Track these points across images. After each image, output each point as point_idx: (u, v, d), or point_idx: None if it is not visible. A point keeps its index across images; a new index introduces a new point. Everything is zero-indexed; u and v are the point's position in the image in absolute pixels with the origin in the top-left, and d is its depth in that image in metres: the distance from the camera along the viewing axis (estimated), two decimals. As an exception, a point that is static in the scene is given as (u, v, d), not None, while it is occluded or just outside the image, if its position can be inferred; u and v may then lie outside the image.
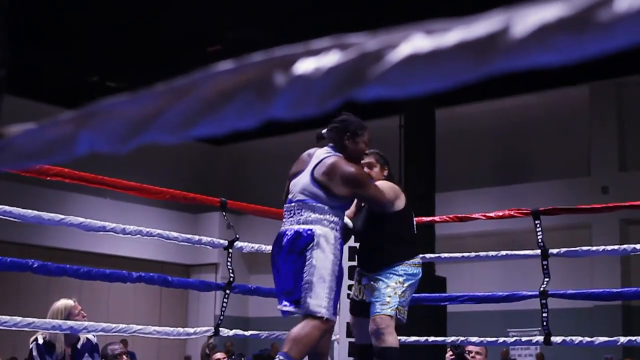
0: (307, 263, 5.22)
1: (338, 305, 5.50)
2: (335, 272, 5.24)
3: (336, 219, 5.36)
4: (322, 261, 5.21)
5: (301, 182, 5.42)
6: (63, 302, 6.45)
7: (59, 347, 6.31)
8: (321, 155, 5.46)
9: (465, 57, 0.75)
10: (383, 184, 5.81)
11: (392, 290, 5.62)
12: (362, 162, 5.89)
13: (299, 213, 5.37)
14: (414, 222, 5.96)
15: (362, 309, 5.80)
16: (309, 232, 5.27)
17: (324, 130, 5.58)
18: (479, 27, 0.75)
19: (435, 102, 16.66)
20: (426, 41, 0.76)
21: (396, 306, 5.59)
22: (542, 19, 0.73)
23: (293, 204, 5.41)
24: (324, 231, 5.27)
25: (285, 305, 5.29)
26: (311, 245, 5.23)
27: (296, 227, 5.33)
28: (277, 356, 5.13)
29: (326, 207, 5.33)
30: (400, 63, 0.77)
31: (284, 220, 5.47)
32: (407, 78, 0.77)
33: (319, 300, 5.17)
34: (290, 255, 5.29)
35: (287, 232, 5.35)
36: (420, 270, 5.81)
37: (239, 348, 18.91)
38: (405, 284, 5.67)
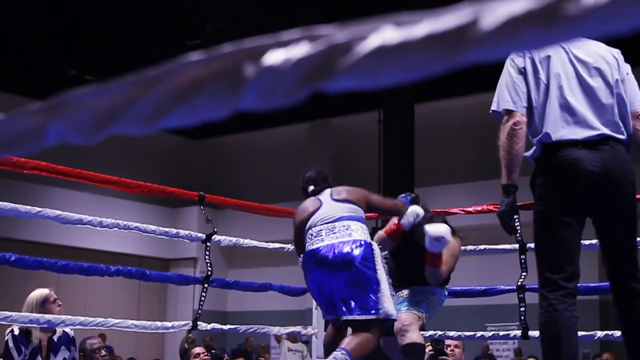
0: (378, 273, 5.42)
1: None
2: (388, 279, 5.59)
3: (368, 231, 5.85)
4: (383, 270, 5.47)
5: (328, 208, 5.68)
6: (39, 291, 6.46)
7: (34, 336, 6.29)
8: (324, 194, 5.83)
9: (434, 49, 0.76)
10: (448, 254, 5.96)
11: (424, 298, 5.82)
12: None
13: (340, 230, 5.56)
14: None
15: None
16: (365, 242, 5.50)
17: (310, 183, 5.94)
18: (448, 20, 0.75)
19: (414, 97, 16.70)
20: (395, 33, 0.77)
21: (425, 312, 5.74)
22: (510, 11, 0.73)
23: (328, 224, 5.59)
24: (373, 242, 5.57)
25: (369, 315, 5.43)
26: (376, 255, 5.48)
27: (344, 240, 5.52)
28: (340, 350, 5.30)
29: (360, 222, 5.64)
30: (369, 55, 0.77)
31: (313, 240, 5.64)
32: (376, 70, 0.77)
33: (391, 305, 5.45)
34: (354, 266, 5.42)
35: (333, 248, 5.50)
36: (444, 295, 6.09)
37: (217, 342, 18.90)
38: (434, 299, 5.89)
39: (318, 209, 5.66)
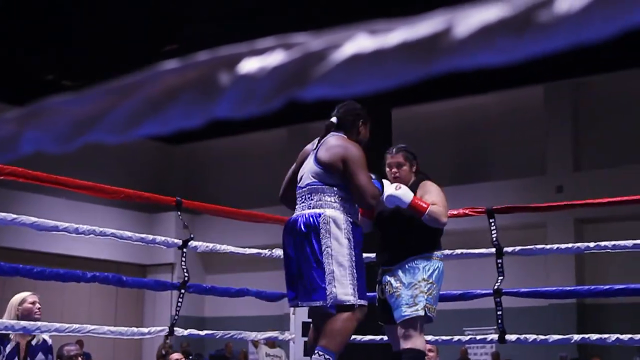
0: (324, 252, 4.98)
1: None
2: (353, 257, 5.01)
3: (347, 200, 5.13)
4: (337, 248, 4.99)
5: (307, 167, 5.23)
6: (21, 294, 6.47)
7: (11, 337, 6.27)
8: (324, 138, 5.32)
9: (408, 57, 0.76)
10: (438, 195, 5.61)
11: (418, 289, 5.38)
12: (388, 161, 5.87)
13: (309, 198, 5.14)
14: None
15: (386, 311, 5.55)
16: (319, 216, 5.04)
17: (335, 115, 5.40)
18: (422, 28, 0.76)
19: (392, 101, 16.71)
20: (370, 41, 0.77)
21: (424, 304, 5.35)
22: (483, 19, 0.74)
23: (303, 189, 5.18)
24: (334, 215, 5.05)
25: (314, 301, 4.98)
26: (323, 231, 5.01)
27: (307, 212, 5.09)
28: (316, 351, 4.92)
29: (335, 189, 5.13)
30: (344, 63, 0.77)
31: (296, 207, 5.24)
32: (350, 77, 0.78)
33: (345, 288, 4.95)
34: (304, 242, 5.04)
35: (297, 219, 5.10)
36: (442, 264, 5.59)
37: (195, 348, 18.85)
38: (431, 280, 5.42)
39: (304, 160, 5.32)
